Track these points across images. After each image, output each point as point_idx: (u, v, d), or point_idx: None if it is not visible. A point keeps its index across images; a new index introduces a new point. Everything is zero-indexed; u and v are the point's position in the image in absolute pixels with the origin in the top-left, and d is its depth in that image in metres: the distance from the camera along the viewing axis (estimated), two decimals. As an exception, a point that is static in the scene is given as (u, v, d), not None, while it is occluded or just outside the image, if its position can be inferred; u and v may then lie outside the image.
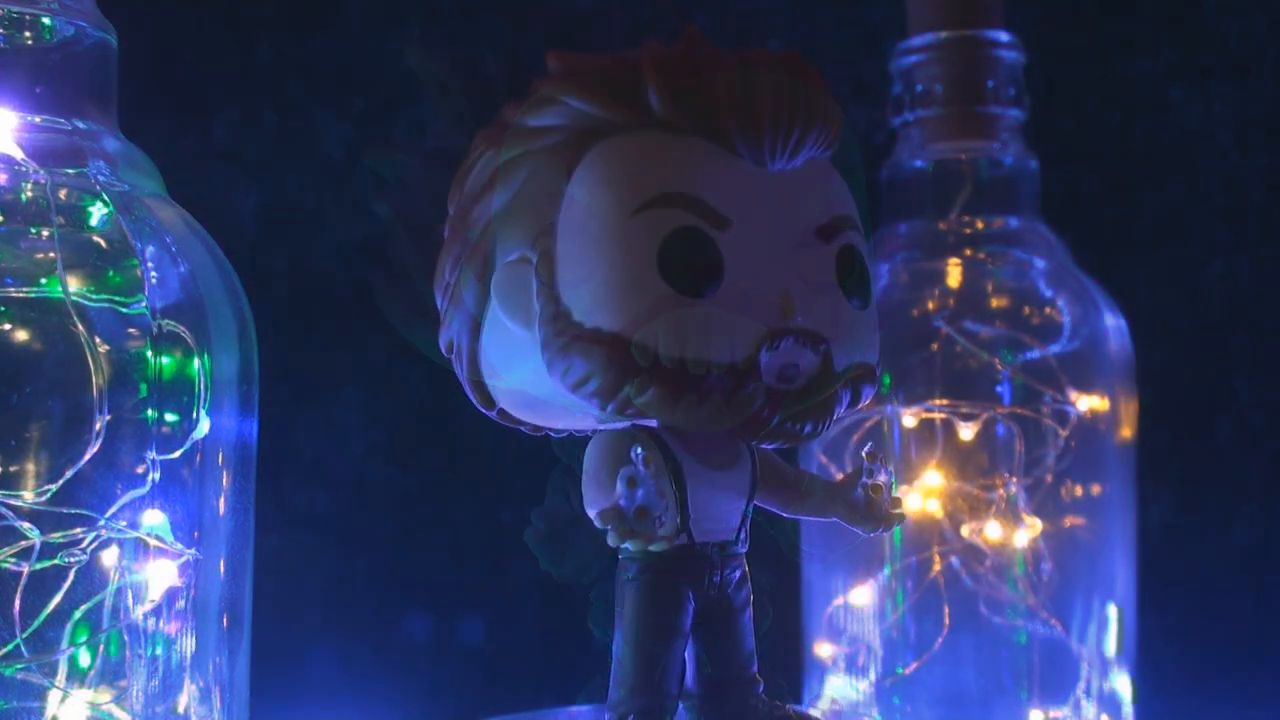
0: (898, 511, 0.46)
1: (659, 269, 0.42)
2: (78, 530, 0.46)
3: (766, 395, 0.42)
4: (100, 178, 0.50)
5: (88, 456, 0.46)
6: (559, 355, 0.43)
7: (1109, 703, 0.68)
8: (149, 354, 0.48)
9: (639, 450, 0.42)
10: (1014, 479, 0.67)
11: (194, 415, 0.49)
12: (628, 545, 0.42)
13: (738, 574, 0.46)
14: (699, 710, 0.46)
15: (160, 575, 0.48)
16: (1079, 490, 0.68)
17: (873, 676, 0.68)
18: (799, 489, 0.47)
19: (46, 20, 0.50)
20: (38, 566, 0.46)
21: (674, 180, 0.43)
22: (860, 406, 0.45)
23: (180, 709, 0.50)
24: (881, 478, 0.46)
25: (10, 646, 0.46)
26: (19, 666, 0.46)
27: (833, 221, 0.44)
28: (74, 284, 0.47)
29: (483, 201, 0.45)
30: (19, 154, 0.48)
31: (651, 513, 0.42)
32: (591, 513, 0.42)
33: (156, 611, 0.49)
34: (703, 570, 0.45)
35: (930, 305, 0.69)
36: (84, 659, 0.48)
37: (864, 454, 0.46)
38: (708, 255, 0.42)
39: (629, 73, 0.44)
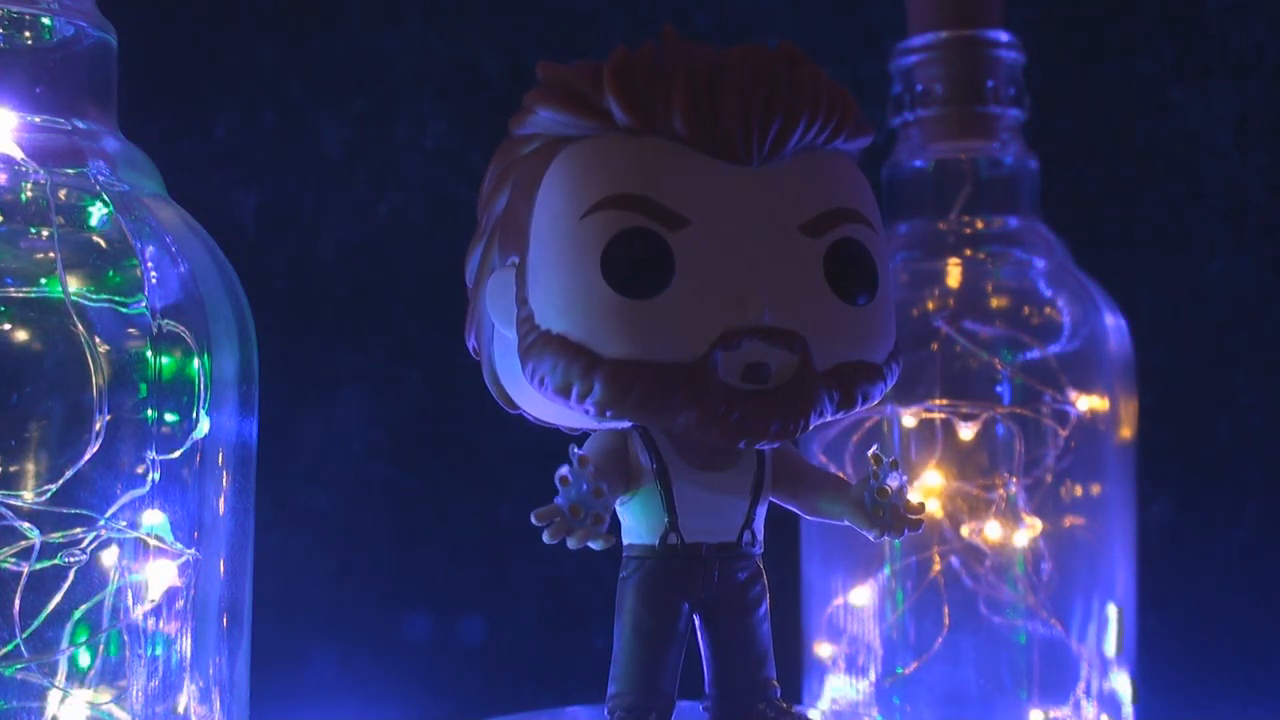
0: (913, 517, 0.45)
1: (602, 271, 0.42)
2: (78, 530, 0.46)
3: (725, 394, 0.42)
4: (100, 178, 0.50)
5: (87, 456, 0.46)
6: (524, 357, 0.44)
7: (1109, 703, 0.68)
8: (149, 354, 0.48)
9: (574, 449, 0.42)
10: (1014, 479, 0.67)
11: (194, 415, 0.49)
12: (570, 543, 0.42)
13: (743, 575, 0.45)
14: (713, 712, 0.46)
15: (160, 575, 0.48)
16: (1079, 490, 0.68)
17: (873, 676, 0.68)
18: (816, 490, 0.47)
19: (46, 20, 0.50)
20: (37, 566, 0.46)
21: (624, 182, 0.43)
22: (863, 407, 0.45)
23: (180, 709, 0.50)
24: (892, 482, 0.45)
25: (10, 646, 0.46)
26: (19, 666, 0.46)
27: (823, 216, 0.44)
28: (74, 284, 0.47)
29: (488, 210, 0.46)
30: (19, 154, 0.48)
31: (585, 511, 0.42)
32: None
33: (156, 611, 0.49)
34: (695, 571, 0.45)
35: (930, 305, 0.69)
36: (84, 659, 0.48)
37: (869, 456, 0.45)
38: (653, 256, 0.42)
39: (595, 79, 0.44)
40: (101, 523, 0.47)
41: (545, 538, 0.42)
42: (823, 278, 0.44)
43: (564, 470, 0.42)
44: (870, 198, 0.46)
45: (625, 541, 0.46)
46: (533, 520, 0.42)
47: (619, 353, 0.42)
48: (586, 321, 0.43)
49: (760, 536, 0.46)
